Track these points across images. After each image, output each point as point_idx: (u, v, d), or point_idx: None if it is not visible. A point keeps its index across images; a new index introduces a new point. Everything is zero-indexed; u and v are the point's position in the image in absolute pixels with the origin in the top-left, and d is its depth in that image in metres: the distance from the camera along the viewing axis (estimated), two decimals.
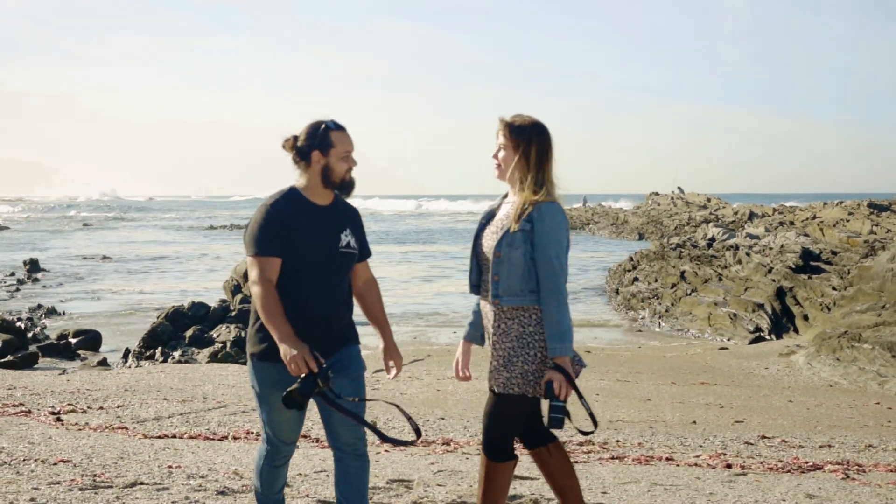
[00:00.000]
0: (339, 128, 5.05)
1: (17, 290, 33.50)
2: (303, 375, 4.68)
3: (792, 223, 37.35)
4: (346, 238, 5.11)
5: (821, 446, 9.90)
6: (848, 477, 7.96)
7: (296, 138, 5.05)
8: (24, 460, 7.51)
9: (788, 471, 8.22)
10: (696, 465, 8.51)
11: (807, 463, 8.58)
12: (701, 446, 9.78)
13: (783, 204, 58.46)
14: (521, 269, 5.01)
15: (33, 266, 39.49)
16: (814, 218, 36.83)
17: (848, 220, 33.39)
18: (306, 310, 4.99)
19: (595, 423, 5.07)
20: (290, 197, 5.05)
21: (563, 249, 5.03)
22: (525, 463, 8.17)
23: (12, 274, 38.30)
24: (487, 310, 5.17)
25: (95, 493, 6.50)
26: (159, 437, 9.29)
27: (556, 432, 6.01)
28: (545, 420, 4.96)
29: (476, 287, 5.28)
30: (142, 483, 6.82)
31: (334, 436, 5.11)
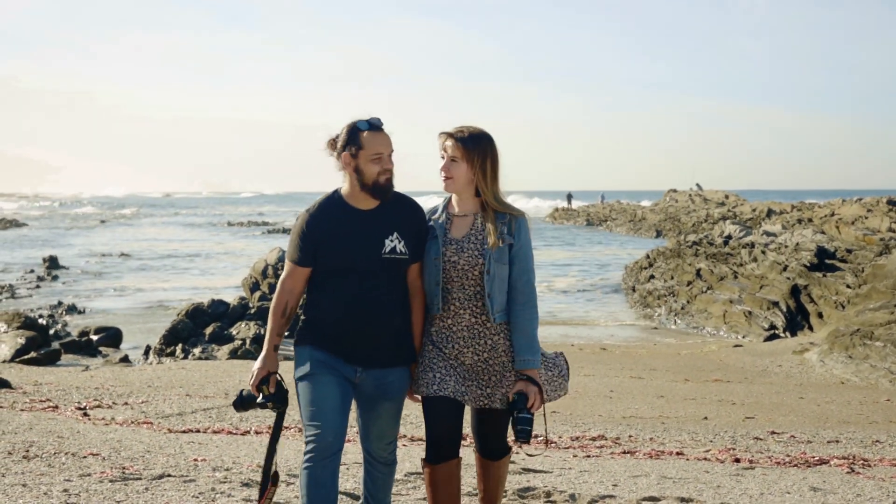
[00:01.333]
0: (373, 127, 4.85)
1: (38, 287, 33.87)
2: (250, 390, 5.01)
3: (810, 220, 37.34)
4: (392, 243, 4.89)
5: (829, 442, 10.11)
6: (853, 471, 8.16)
7: (337, 138, 4.92)
8: (54, 453, 7.77)
9: (795, 465, 8.43)
10: (705, 459, 8.74)
11: (813, 458, 8.78)
12: (711, 441, 10.00)
13: (802, 201, 58.26)
14: (507, 285, 4.96)
15: (52, 263, 39.89)
16: (832, 215, 36.81)
17: (867, 217, 33.37)
18: (338, 315, 4.89)
19: (546, 444, 5.28)
20: (330, 202, 4.94)
21: (533, 262, 5.06)
22: (538, 457, 8.40)
23: (32, 271, 38.68)
24: (460, 327, 4.98)
25: (125, 484, 6.76)
26: (183, 432, 9.55)
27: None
28: (512, 433, 4.87)
29: (445, 307, 5.01)
30: (169, 475, 7.08)
31: (368, 445, 5.09)
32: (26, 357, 17.69)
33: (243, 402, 5.03)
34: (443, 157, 4.99)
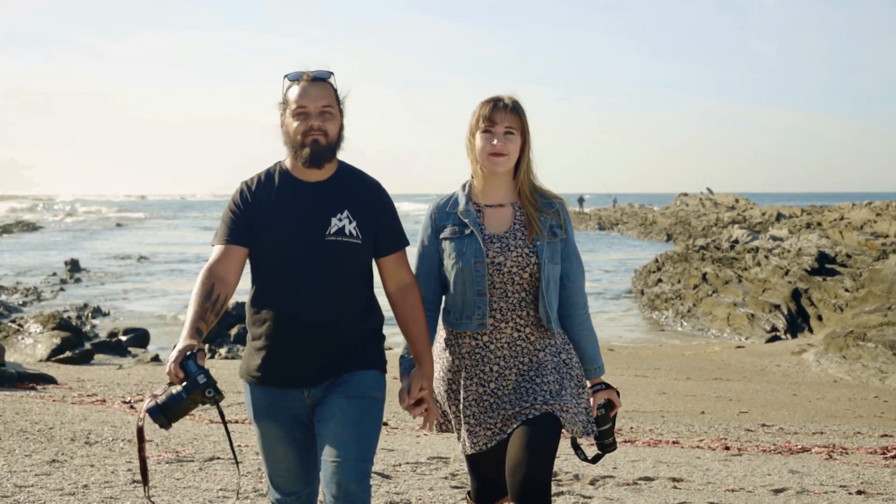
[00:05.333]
0: (300, 77, 4.00)
1: (61, 289, 34.56)
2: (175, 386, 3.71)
3: (819, 224, 37.94)
4: (340, 223, 3.95)
5: (814, 433, 10.93)
6: (831, 457, 9.02)
7: None
8: (112, 440, 8.66)
9: (779, 452, 9.30)
10: (698, 447, 9.61)
11: (796, 446, 9.64)
12: (706, 432, 10.83)
13: (812, 205, 58.69)
14: (558, 287, 4.23)
15: (74, 266, 40.43)
16: (842, 219, 37.38)
17: (875, 222, 33.94)
18: (281, 314, 4.00)
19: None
20: (270, 173, 4.08)
21: None
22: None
23: (54, 274, 39.25)
24: (499, 345, 4.15)
25: (181, 465, 7.66)
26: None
27: None
28: (597, 446, 4.29)
29: (485, 322, 4.14)
30: (218, 458, 7.97)
31: (322, 470, 3.90)
32: (62, 357, 18.54)
33: (171, 402, 3.67)
34: (488, 132, 4.16)
